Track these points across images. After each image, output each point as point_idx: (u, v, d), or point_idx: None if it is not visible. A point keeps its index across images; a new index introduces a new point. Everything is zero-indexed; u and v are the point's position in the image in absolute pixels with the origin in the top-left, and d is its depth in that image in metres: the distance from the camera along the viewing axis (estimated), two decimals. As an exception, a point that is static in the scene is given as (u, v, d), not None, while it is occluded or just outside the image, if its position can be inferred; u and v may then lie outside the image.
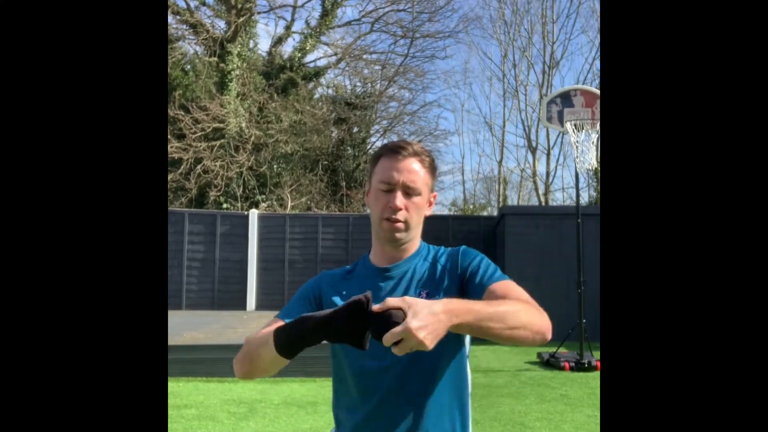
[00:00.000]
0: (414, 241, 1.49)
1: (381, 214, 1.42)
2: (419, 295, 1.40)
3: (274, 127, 16.10)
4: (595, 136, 7.59)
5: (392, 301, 1.07)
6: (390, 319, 1.03)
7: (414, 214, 1.43)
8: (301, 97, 17.15)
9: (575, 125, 7.77)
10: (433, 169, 1.47)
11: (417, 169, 1.43)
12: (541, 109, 8.80)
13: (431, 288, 1.42)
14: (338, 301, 1.42)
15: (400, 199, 1.40)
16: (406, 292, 1.42)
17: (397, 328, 1.02)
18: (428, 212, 1.48)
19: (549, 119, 8.20)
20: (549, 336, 1.25)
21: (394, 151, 1.43)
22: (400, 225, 1.41)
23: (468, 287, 1.38)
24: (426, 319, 1.04)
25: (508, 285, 1.36)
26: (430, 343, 1.04)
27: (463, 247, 1.50)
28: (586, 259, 7.90)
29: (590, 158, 7.57)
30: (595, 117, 7.76)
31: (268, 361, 1.29)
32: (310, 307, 1.45)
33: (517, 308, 1.23)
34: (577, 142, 7.70)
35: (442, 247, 1.53)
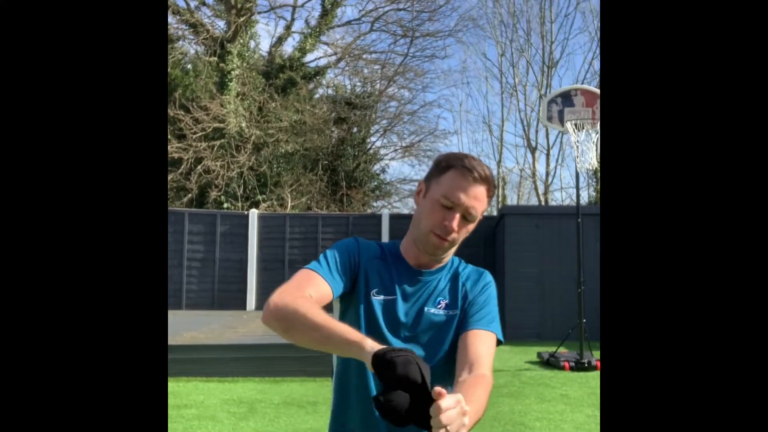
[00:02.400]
0: (448, 254, 1.50)
1: (432, 227, 1.40)
2: (438, 304, 1.44)
3: (274, 126, 16.09)
4: (595, 136, 7.59)
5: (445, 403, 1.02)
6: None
7: (462, 236, 1.43)
8: (301, 96, 17.14)
9: (576, 125, 7.77)
10: (492, 196, 1.45)
11: (483, 196, 1.40)
12: (541, 109, 8.79)
13: (450, 300, 1.46)
14: (373, 281, 1.42)
15: (457, 222, 1.39)
16: (428, 299, 1.45)
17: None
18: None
19: (549, 119, 8.20)
20: None
21: (469, 170, 1.38)
22: (447, 244, 1.41)
23: (464, 317, 1.44)
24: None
25: (486, 343, 1.39)
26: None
27: (489, 277, 1.52)
28: (586, 259, 7.89)
29: (591, 158, 7.57)
30: (596, 117, 7.75)
31: (322, 347, 1.22)
32: (349, 275, 1.42)
33: (484, 398, 1.25)
34: (577, 141, 7.70)
35: (463, 262, 1.55)
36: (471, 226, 1.43)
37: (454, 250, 1.48)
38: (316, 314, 1.21)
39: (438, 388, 1.01)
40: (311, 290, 1.31)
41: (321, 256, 1.42)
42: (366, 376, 1.38)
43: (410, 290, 1.45)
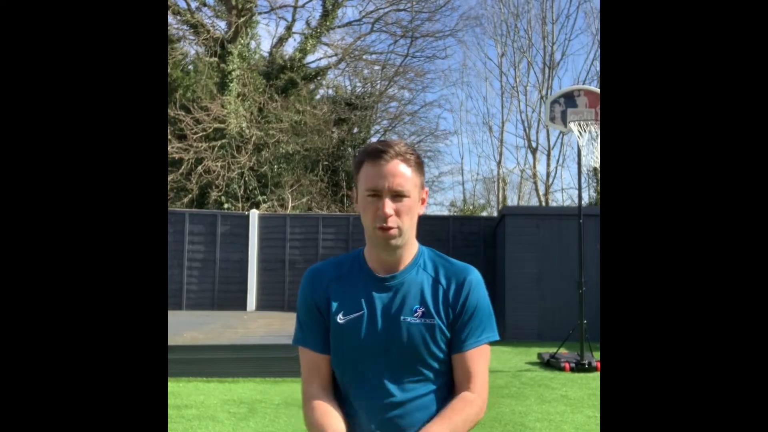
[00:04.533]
0: (410, 246, 1.46)
1: (372, 223, 1.38)
2: (414, 313, 1.41)
3: (274, 127, 16.09)
4: (598, 137, 7.58)
5: None
6: None
7: (406, 217, 1.39)
8: (301, 97, 17.15)
9: (579, 125, 7.76)
10: (420, 166, 1.42)
11: (403, 170, 1.37)
12: (545, 109, 8.79)
13: (427, 308, 1.42)
14: (335, 306, 1.44)
15: (389, 206, 1.36)
16: (402, 305, 1.42)
17: None
18: (421, 211, 1.44)
19: (552, 119, 8.19)
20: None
21: (376, 155, 1.37)
22: (394, 232, 1.38)
23: (454, 330, 1.43)
24: None
25: (478, 360, 1.43)
26: None
27: (472, 277, 1.46)
28: (586, 260, 7.89)
29: (593, 158, 7.56)
30: (599, 117, 7.75)
31: None
32: (321, 318, 1.45)
33: (470, 419, 1.37)
34: (580, 141, 7.70)
35: (443, 258, 1.50)
36: (409, 203, 1.39)
37: (411, 235, 1.43)
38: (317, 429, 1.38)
39: None
40: (315, 375, 1.45)
41: (296, 321, 1.52)
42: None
43: (380, 301, 1.43)
